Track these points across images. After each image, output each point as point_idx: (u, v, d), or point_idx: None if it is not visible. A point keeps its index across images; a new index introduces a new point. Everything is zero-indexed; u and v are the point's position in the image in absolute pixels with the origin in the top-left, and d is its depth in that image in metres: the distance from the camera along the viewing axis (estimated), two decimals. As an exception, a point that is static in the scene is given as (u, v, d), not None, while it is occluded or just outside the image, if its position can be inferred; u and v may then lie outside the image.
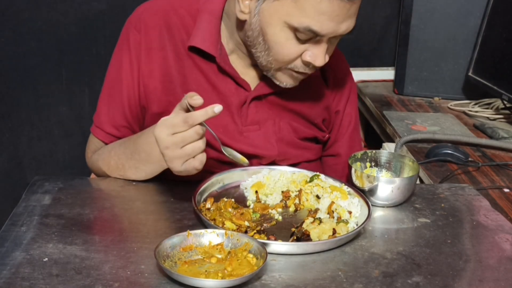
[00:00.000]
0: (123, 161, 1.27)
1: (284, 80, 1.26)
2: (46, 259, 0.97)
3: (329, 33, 1.15)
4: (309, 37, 1.16)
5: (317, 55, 1.19)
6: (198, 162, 1.07)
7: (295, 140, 1.36)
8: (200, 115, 1.04)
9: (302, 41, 1.17)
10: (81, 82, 2.37)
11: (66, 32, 2.32)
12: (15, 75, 2.32)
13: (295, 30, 1.15)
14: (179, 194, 1.23)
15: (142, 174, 1.26)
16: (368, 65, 2.55)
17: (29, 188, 1.22)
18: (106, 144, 1.36)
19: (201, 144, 1.06)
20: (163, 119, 1.07)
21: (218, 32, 1.28)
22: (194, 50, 1.28)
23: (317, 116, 1.39)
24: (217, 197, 1.18)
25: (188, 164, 1.06)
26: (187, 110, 1.07)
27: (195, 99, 1.05)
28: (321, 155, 1.47)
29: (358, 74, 2.48)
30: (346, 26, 1.16)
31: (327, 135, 1.44)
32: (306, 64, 1.21)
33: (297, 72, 1.23)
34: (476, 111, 2.09)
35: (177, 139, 1.04)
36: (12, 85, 2.33)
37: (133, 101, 1.32)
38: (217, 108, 1.04)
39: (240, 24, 1.23)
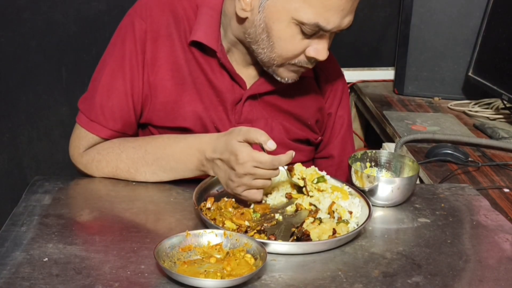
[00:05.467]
0: (138, 166, 1.25)
1: (286, 76, 1.27)
2: (46, 259, 0.97)
3: (333, 28, 1.17)
4: (314, 32, 1.18)
5: (320, 50, 1.21)
6: (260, 195, 1.15)
7: (286, 140, 1.36)
8: (285, 160, 1.12)
9: (306, 36, 1.19)
10: (81, 82, 2.37)
11: (66, 32, 2.32)
12: (15, 75, 2.32)
13: (301, 25, 1.17)
14: (179, 194, 1.23)
15: (156, 179, 1.26)
16: (368, 65, 2.55)
17: (29, 188, 1.22)
18: (103, 139, 1.30)
19: (269, 183, 1.15)
20: (248, 149, 1.11)
21: (219, 28, 1.29)
22: (194, 44, 1.29)
23: (310, 117, 1.39)
24: (217, 196, 1.18)
25: (251, 194, 1.15)
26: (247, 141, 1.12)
27: (270, 145, 1.11)
28: (313, 157, 1.48)
29: (358, 74, 2.48)
30: (348, 20, 1.19)
31: (320, 138, 1.45)
32: (309, 59, 1.23)
33: (299, 66, 1.25)
34: (476, 111, 2.09)
35: (257, 172, 1.11)
36: (12, 85, 2.33)
37: (136, 89, 1.29)
38: (294, 153, 1.14)
39: (240, 22, 1.24)
